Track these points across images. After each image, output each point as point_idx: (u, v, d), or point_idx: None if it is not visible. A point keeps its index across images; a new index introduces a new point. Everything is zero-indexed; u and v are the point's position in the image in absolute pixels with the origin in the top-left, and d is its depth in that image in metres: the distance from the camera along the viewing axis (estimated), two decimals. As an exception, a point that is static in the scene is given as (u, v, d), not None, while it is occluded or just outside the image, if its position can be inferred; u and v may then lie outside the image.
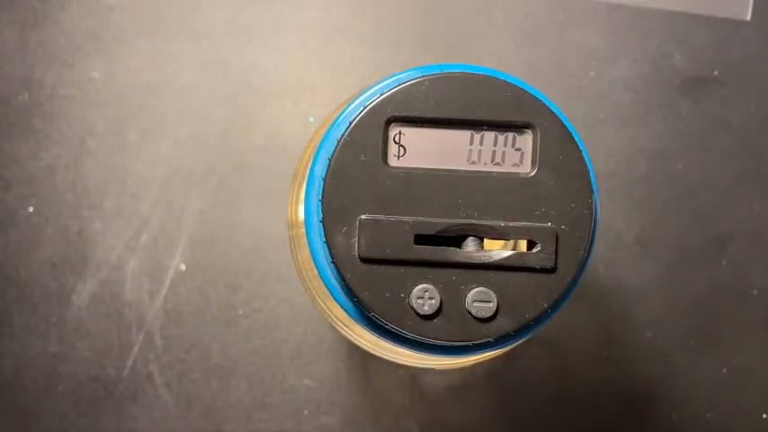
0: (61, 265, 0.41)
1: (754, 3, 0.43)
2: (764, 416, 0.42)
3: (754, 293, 0.42)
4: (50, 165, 0.41)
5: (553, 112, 0.24)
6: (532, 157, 0.24)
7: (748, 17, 0.43)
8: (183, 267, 0.41)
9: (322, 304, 0.30)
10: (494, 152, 0.24)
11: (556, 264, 0.24)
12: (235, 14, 0.42)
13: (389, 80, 0.25)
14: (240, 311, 0.41)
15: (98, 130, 0.41)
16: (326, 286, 0.26)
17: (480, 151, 0.24)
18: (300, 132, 0.41)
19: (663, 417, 0.41)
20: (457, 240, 0.24)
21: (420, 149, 0.24)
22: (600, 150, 0.42)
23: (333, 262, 0.24)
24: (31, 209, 0.41)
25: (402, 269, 0.24)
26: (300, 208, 0.28)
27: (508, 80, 0.24)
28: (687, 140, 0.42)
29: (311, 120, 0.42)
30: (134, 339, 0.41)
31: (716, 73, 0.43)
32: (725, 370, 0.42)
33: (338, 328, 0.30)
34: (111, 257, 0.41)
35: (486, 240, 0.24)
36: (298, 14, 0.42)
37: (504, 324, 0.24)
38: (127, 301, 0.41)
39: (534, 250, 0.24)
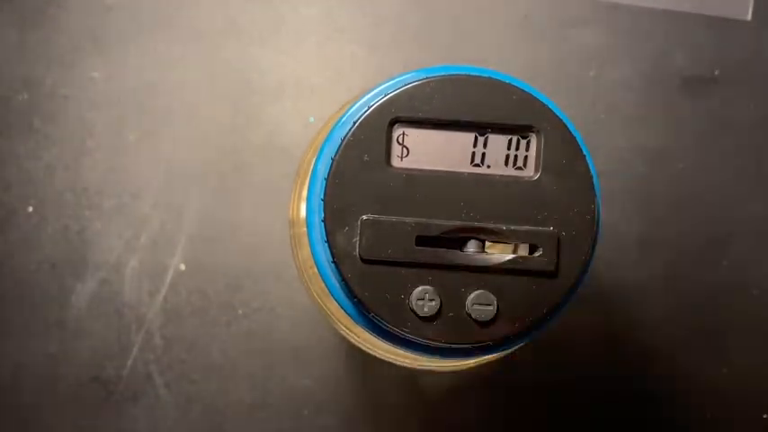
0: (61, 266, 0.41)
1: (754, 3, 0.43)
2: (765, 416, 0.42)
3: (754, 293, 0.42)
4: (50, 165, 0.41)
5: (558, 117, 0.24)
6: (536, 161, 0.24)
7: (748, 17, 0.43)
8: (182, 267, 0.41)
9: (322, 304, 0.30)
10: (497, 155, 0.24)
11: (557, 268, 0.24)
12: (235, 14, 0.42)
13: (394, 81, 0.25)
14: (240, 311, 0.41)
15: (98, 130, 0.41)
16: (326, 286, 0.26)
17: (484, 154, 0.24)
18: (300, 132, 0.41)
19: (663, 417, 0.42)
20: (458, 243, 0.24)
21: (423, 151, 0.24)
22: (600, 150, 0.42)
23: (333, 261, 0.24)
24: (30, 209, 0.41)
25: (403, 270, 0.24)
26: (302, 206, 0.28)
27: (513, 83, 0.24)
28: (687, 140, 0.42)
29: (311, 120, 0.41)
30: (134, 339, 0.40)
31: (716, 73, 0.43)
32: (725, 370, 0.42)
33: (338, 327, 0.30)
34: (111, 257, 0.41)
35: (487, 243, 0.24)
36: (298, 14, 0.42)
37: (503, 328, 0.24)
38: (127, 301, 0.41)
39: (536, 254, 0.24)
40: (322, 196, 0.24)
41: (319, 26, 0.42)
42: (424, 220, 0.24)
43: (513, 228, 0.24)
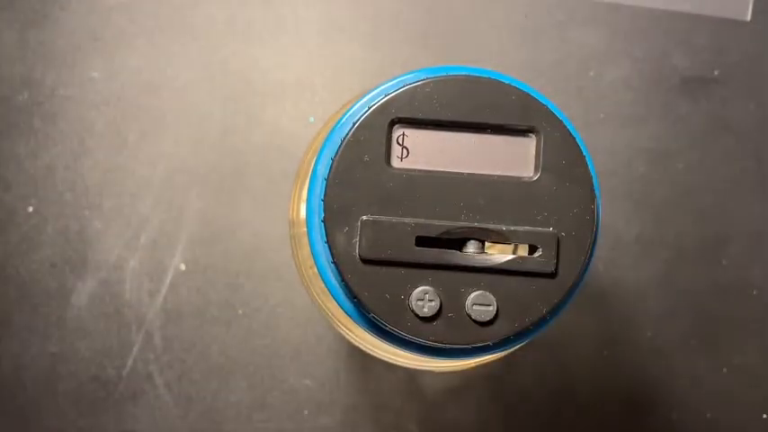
0: (61, 265, 0.41)
1: (754, 3, 0.43)
2: (765, 416, 0.42)
3: (754, 293, 0.42)
4: (50, 165, 0.41)
5: (557, 117, 0.24)
6: (535, 162, 0.24)
7: (748, 17, 0.43)
8: (182, 267, 0.41)
9: (322, 304, 0.30)
10: (497, 156, 0.24)
11: (556, 269, 0.24)
12: (234, 14, 0.42)
13: (394, 81, 0.25)
14: (240, 311, 0.41)
15: (98, 130, 0.41)
16: (326, 286, 0.25)
17: (483, 154, 0.24)
18: (300, 132, 0.41)
19: (663, 417, 0.42)
20: (458, 243, 0.24)
21: (423, 151, 0.24)
22: (600, 150, 0.42)
23: (333, 262, 0.24)
24: (30, 209, 0.41)
25: (402, 270, 0.24)
26: (302, 207, 0.28)
27: (513, 84, 0.24)
28: (687, 140, 0.42)
29: (311, 120, 0.42)
30: (134, 339, 0.41)
31: (716, 73, 0.43)
32: (725, 370, 0.42)
33: (338, 328, 0.30)
34: (111, 257, 0.41)
35: (487, 243, 0.24)
36: (298, 14, 0.42)
37: (503, 328, 0.24)
38: (127, 301, 0.41)
39: (535, 255, 0.24)
40: (322, 197, 0.24)
41: (319, 26, 0.42)
42: (423, 220, 0.24)
43: (512, 228, 0.24)
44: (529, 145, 0.24)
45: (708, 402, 0.42)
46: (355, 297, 0.24)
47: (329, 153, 0.24)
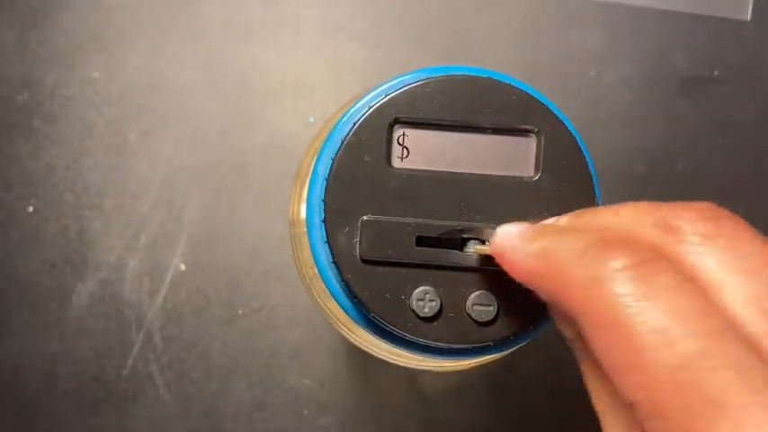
0: (61, 265, 0.41)
1: (754, 3, 0.43)
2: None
3: (754, 293, 0.42)
4: (50, 165, 0.41)
5: (558, 117, 0.24)
6: (536, 162, 0.24)
7: (748, 17, 0.43)
8: (182, 267, 0.41)
9: (322, 304, 0.30)
10: (497, 156, 0.24)
11: None
12: (235, 14, 0.42)
13: (394, 81, 0.25)
14: (240, 311, 0.41)
15: (98, 130, 0.41)
16: (327, 286, 0.25)
17: (484, 154, 0.24)
18: (300, 132, 0.41)
19: (662, 417, 0.41)
20: (459, 243, 0.24)
21: (424, 151, 0.24)
22: (600, 150, 0.42)
23: (334, 262, 0.24)
24: (30, 209, 0.41)
25: (403, 271, 0.24)
26: (302, 206, 0.28)
27: (513, 83, 0.24)
28: (687, 140, 0.42)
29: (311, 120, 0.42)
30: (134, 339, 0.41)
31: (716, 73, 0.43)
32: (724, 370, 0.42)
33: (338, 328, 0.30)
34: (111, 257, 0.41)
35: (487, 244, 0.24)
36: (298, 14, 0.42)
37: (504, 328, 0.24)
38: (127, 301, 0.41)
39: (536, 254, 0.24)
40: (322, 197, 0.24)
41: (319, 26, 0.42)
42: (424, 220, 0.24)
43: (513, 228, 0.24)
44: (529, 145, 0.24)
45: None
46: (355, 297, 0.24)
47: (330, 153, 0.24)
